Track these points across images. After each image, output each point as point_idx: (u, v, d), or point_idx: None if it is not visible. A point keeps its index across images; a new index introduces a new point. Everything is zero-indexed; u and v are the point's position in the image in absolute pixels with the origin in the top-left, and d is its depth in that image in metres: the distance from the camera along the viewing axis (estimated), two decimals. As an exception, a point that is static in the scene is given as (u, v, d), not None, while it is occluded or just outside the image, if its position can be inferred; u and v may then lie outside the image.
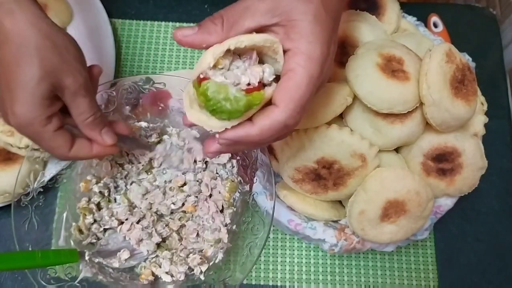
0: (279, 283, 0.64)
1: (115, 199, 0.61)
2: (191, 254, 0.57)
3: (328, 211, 0.57)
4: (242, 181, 0.60)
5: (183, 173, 0.62)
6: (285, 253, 0.65)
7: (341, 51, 0.57)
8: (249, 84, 0.38)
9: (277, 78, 0.39)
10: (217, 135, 0.40)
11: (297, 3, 0.38)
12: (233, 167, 0.61)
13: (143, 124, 0.63)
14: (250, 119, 0.39)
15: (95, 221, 0.59)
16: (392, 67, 0.51)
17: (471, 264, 0.65)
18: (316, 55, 0.38)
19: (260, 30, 0.39)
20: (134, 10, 0.78)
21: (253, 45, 0.38)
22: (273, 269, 0.64)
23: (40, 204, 0.56)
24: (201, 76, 0.37)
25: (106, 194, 0.61)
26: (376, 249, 0.57)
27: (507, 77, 0.76)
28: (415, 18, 0.68)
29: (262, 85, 0.39)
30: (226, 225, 0.59)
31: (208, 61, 0.37)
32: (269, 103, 0.39)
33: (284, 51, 0.39)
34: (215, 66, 0.38)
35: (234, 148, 0.43)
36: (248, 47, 0.38)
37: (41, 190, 0.57)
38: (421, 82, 0.50)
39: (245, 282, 0.63)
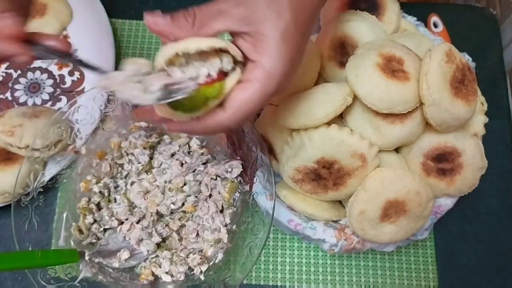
0: (279, 283, 0.64)
1: (115, 199, 0.61)
2: (191, 254, 0.57)
3: (328, 211, 0.57)
4: (242, 181, 0.60)
5: (185, 176, 0.62)
6: (285, 253, 0.65)
7: (341, 51, 0.57)
8: (209, 75, 0.40)
9: (243, 63, 0.41)
10: (165, 126, 0.44)
11: (269, 17, 0.38)
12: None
13: (143, 124, 0.63)
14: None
15: (95, 221, 0.59)
16: (392, 67, 0.51)
17: (471, 264, 0.65)
18: (276, 73, 0.39)
19: (230, 34, 0.40)
20: (134, 10, 0.78)
21: (200, 50, 0.39)
22: (273, 269, 0.64)
23: (40, 204, 0.56)
24: None
25: (106, 194, 0.61)
26: (376, 249, 0.57)
27: (507, 77, 0.76)
28: (415, 18, 0.67)
29: (223, 74, 0.40)
30: (226, 225, 0.59)
31: (159, 63, 0.39)
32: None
33: (248, 59, 0.40)
34: (172, 64, 0.39)
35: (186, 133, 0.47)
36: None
37: (41, 190, 0.57)
38: (421, 82, 0.50)
39: (245, 282, 0.63)
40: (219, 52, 0.40)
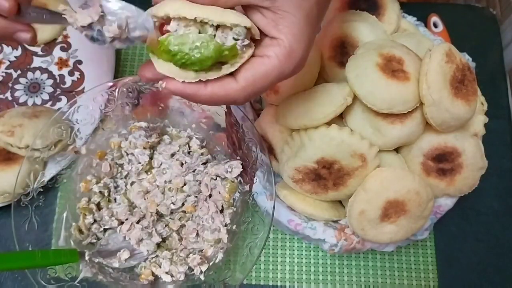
0: (279, 283, 0.64)
1: (115, 199, 0.61)
2: (191, 254, 0.57)
3: (328, 211, 0.57)
4: (242, 181, 0.60)
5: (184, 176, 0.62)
6: (285, 253, 0.65)
7: (341, 51, 0.57)
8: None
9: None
10: (163, 84, 0.38)
11: None
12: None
13: (143, 124, 0.63)
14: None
15: (95, 221, 0.59)
16: (392, 67, 0.51)
17: (471, 264, 0.65)
18: (296, 55, 0.38)
19: (249, 7, 0.38)
20: (134, 10, 0.78)
21: (223, 24, 0.35)
22: (273, 269, 0.64)
23: (40, 204, 0.56)
24: (163, 29, 0.36)
25: (106, 194, 0.61)
26: (376, 249, 0.57)
27: (507, 77, 0.76)
28: (415, 18, 0.67)
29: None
30: (225, 225, 0.59)
31: (165, 11, 0.34)
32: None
33: (265, 35, 0.38)
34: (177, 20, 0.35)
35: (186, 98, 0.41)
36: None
37: (41, 190, 0.57)
38: (421, 82, 0.50)
39: (245, 282, 0.63)
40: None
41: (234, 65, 0.37)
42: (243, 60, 0.37)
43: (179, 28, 0.35)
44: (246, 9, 0.38)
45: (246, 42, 0.37)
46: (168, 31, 0.36)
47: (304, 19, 0.37)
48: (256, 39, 0.38)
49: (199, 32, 0.36)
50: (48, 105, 0.70)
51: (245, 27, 0.36)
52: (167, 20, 0.36)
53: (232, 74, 0.38)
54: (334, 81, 0.57)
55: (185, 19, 0.35)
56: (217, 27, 0.36)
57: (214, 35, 0.36)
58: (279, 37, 0.37)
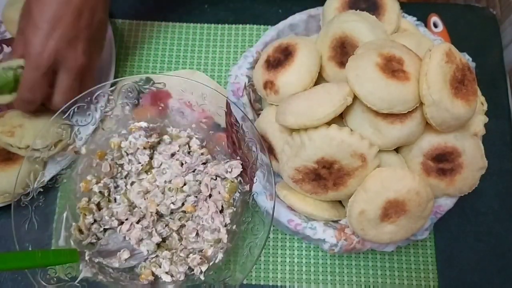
0: (279, 283, 0.64)
1: (115, 199, 0.61)
2: (191, 254, 0.57)
3: (328, 211, 0.57)
4: (242, 181, 0.60)
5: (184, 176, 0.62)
6: (285, 253, 0.65)
7: (341, 51, 0.57)
8: None
9: None
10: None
11: None
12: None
13: (143, 124, 0.63)
14: None
15: (95, 221, 0.59)
16: (392, 67, 0.51)
17: (471, 264, 0.65)
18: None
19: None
20: (134, 10, 0.78)
21: None
22: (273, 269, 0.64)
23: (40, 204, 0.56)
24: None
25: (106, 194, 0.61)
26: (376, 249, 0.57)
27: (507, 77, 0.76)
28: (415, 18, 0.67)
29: None
30: (225, 225, 0.59)
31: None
32: None
33: None
34: None
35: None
36: None
37: (41, 190, 0.57)
38: (421, 82, 0.50)
39: (245, 282, 0.63)
40: None
41: None
42: None
43: None
44: None
45: None
46: None
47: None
48: None
49: None
50: (48, 105, 0.70)
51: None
52: None
53: None
54: (334, 81, 0.57)
55: None
56: None
57: None
58: None
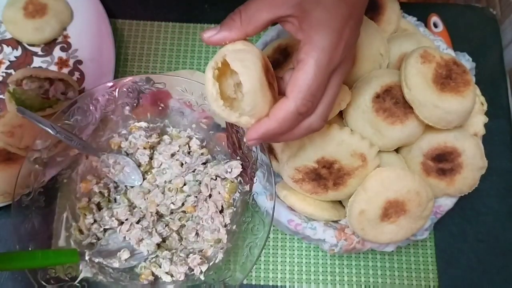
0: (279, 283, 0.64)
1: (115, 199, 0.61)
2: (191, 254, 0.57)
3: (328, 211, 0.57)
4: (242, 181, 0.60)
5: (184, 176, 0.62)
6: (285, 253, 0.65)
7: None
8: None
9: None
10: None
11: None
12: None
13: (143, 124, 0.63)
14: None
15: (95, 221, 0.59)
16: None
17: (471, 264, 0.65)
18: (323, 44, 0.39)
19: (277, 21, 0.40)
20: (134, 10, 0.78)
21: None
22: (273, 269, 0.64)
23: (40, 204, 0.56)
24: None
25: (106, 194, 0.61)
26: (376, 249, 0.57)
27: (507, 77, 0.76)
28: (415, 18, 0.67)
29: None
30: (225, 226, 0.59)
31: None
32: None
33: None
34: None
35: (267, 140, 0.46)
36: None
37: (41, 190, 0.57)
38: (402, 88, 0.51)
39: (245, 282, 0.63)
40: None
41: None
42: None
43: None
44: (281, 24, 0.41)
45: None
46: None
47: (323, 9, 0.38)
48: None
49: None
50: (48, 105, 0.70)
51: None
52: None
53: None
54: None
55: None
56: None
57: None
58: (304, 36, 0.39)
